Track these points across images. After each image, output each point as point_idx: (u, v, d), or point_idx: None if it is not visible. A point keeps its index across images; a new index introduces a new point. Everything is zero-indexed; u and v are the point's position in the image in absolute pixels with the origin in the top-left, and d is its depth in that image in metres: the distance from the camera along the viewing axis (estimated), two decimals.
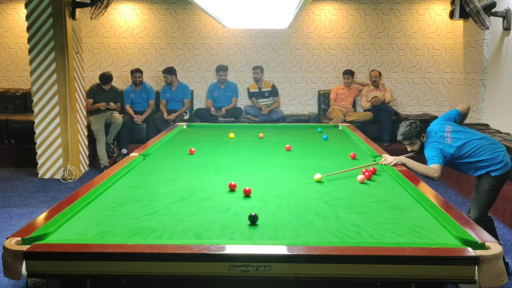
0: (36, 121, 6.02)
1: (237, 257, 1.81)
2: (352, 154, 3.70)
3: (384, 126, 6.85)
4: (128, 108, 7.00)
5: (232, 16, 3.99)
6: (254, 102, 7.51)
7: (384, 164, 3.31)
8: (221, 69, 7.36)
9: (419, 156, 3.50)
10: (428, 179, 3.24)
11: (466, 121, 3.94)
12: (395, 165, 3.28)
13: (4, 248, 1.87)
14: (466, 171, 3.43)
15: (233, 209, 2.43)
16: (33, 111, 6.06)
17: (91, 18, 6.16)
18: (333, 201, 2.57)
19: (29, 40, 5.89)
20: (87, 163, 6.54)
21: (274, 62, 7.72)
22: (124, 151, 6.72)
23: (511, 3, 5.73)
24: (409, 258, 1.81)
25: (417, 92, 7.72)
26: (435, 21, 7.51)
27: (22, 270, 1.82)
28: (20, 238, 1.93)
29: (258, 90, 7.51)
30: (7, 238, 1.93)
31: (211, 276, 1.84)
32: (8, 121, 6.85)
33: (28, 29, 5.87)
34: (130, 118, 6.89)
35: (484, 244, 1.89)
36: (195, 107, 7.63)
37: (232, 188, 2.75)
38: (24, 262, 1.82)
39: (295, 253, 1.83)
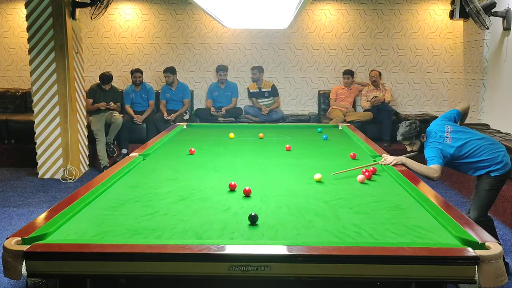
0: (36, 121, 6.02)
1: (237, 257, 1.81)
2: (352, 154, 3.70)
3: (384, 126, 6.85)
4: (128, 108, 7.00)
5: (232, 16, 3.99)
6: (254, 102, 7.51)
7: (384, 164, 3.31)
8: (221, 69, 7.36)
9: (419, 156, 3.50)
10: (428, 179, 3.24)
11: (466, 121, 3.93)
12: (395, 165, 3.29)
13: (4, 248, 1.87)
14: (466, 171, 3.43)
15: (233, 209, 2.43)
16: (33, 111, 6.06)
17: (91, 18, 6.16)
18: (333, 201, 2.57)
19: (29, 40, 5.89)
20: (87, 163, 6.54)
21: (274, 62, 7.72)
22: (124, 151, 6.72)
23: (511, 3, 5.73)
24: (409, 258, 1.81)
25: (417, 92, 7.72)
26: (435, 21, 7.51)
27: (22, 270, 1.82)
28: (20, 238, 1.93)
29: (258, 90, 7.51)
30: (7, 238, 1.93)
31: (211, 276, 1.84)
32: (8, 121, 6.85)
33: (28, 29, 5.87)
34: (130, 118, 6.89)
35: (484, 244, 1.89)
36: (195, 107, 7.63)
37: (232, 188, 2.75)
38: (24, 262, 1.82)
39: (295, 253, 1.83)
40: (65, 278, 1.93)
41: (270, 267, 1.79)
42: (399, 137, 3.50)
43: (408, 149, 3.54)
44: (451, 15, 6.44)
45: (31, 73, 5.94)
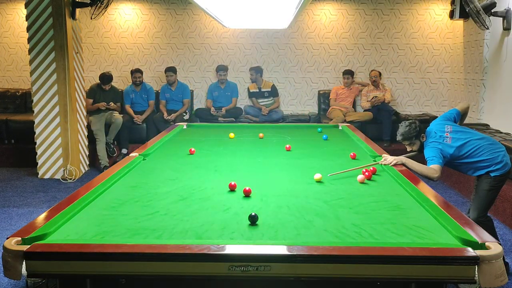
0: (36, 121, 6.02)
1: (237, 257, 1.81)
2: (352, 154, 3.70)
3: (384, 126, 6.85)
4: (128, 108, 7.00)
5: (232, 16, 3.99)
6: (254, 102, 7.51)
7: (384, 164, 3.31)
8: (221, 69, 7.36)
9: (419, 156, 3.50)
10: (428, 179, 3.24)
11: (466, 121, 3.94)
12: (395, 165, 3.29)
13: (4, 248, 1.87)
14: (465, 171, 3.43)
15: (233, 209, 2.43)
16: (33, 111, 6.06)
17: (91, 18, 6.16)
18: (333, 201, 2.57)
19: (29, 40, 5.89)
20: (87, 163, 6.54)
21: (274, 62, 7.72)
22: (124, 151, 6.72)
23: (511, 3, 5.73)
24: (409, 258, 1.81)
25: (417, 92, 7.72)
26: (435, 21, 7.51)
27: (22, 270, 1.82)
28: (20, 238, 1.93)
29: (258, 90, 7.51)
30: (7, 238, 1.93)
31: (211, 276, 1.84)
32: (8, 121, 6.85)
33: (28, 29, 5.87)
34: (130, 118, 6.89)
35: (484, 244, 1.89)
36: (195, 107, 7.63)
37: (232, 188, 2.75)
38: (24, 262, 1.82)
39: (295, 253, 1.83)
40: (65, 278, 1.93)
41: (270, 267, 1.79)
42: (399, 137, 3.50)
43: (408, 149, 3.54)
44: (451, 15, 6.45)
45: (31, 73, 5.94)
